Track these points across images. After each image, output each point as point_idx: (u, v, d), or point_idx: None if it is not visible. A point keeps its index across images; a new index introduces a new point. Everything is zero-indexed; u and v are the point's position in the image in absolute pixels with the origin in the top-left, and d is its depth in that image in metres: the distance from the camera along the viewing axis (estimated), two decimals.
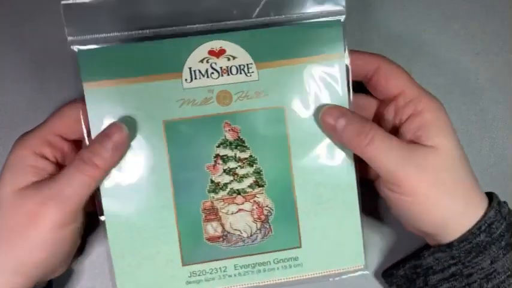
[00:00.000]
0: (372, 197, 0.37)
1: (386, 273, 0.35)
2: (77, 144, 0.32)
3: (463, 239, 0.29)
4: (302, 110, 0.32)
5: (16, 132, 0.30)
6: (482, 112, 0.39)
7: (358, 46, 0.32)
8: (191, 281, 0.32)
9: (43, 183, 0.29)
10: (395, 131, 0.32)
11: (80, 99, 0.30)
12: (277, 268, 0.33)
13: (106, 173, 0.29)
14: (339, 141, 0.31)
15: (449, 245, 0.30)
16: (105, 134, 0.29)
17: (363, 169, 0.33)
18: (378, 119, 0.33)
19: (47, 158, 0.30)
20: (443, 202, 0.29)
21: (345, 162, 0.32)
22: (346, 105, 0.32)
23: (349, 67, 0.31)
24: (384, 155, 0.29)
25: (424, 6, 0.38)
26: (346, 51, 0.31)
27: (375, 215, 0.38)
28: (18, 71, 0.34)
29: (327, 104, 0.31)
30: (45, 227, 0.28)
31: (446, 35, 0.39)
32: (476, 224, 0.29)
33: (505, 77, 0.39)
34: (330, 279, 0.33)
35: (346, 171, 0.32)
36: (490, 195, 0.31)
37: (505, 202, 0.32)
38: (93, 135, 0.30)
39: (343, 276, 0.33)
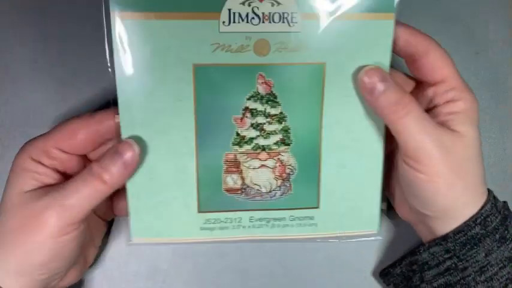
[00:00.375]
0: None
1: (383, 273, 0.35)
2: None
3: (459, 230, 0.29)
4: (342, 69, 0.30)
5: (16, 132, 0.31)
6: (482, 112, 0.39)
7: None
8: (205, 227, 0.32)
9: (50, 189, 0.29)
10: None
11: (87, 113, 0.30)
12: (292, 225, 0.32)
13: (113, 188, 0.29)
14: (373, 105, 0.29)
15: (445, 237, 0.30)
16: (117, 151, 0.29)
17: None
18: None
19: (45, 165, 0.30)
20: (456, 188, 0.29)
21: (375, 130, 0.31)
22: (387, 70, 0.30)
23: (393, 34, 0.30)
24: (416, 130, 0.28)
25: (424, 6, 0.38)
26: (394, 16, 0.29)
27: None
28: (19, 71, 0.34)
29: (368, 65, 0.30)
30: (44, 234, 0.28)
31: (447, 35, 0.39)
32: (472, 216, 0.30)
33: (505, 77, 0.39)
34: (342, 240, 0.33)
35: (376, 139, 0.31)
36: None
37: (505, 202, 0.32)
38: (117, 75, 0.28)
39: (355, 240, 0.33)
